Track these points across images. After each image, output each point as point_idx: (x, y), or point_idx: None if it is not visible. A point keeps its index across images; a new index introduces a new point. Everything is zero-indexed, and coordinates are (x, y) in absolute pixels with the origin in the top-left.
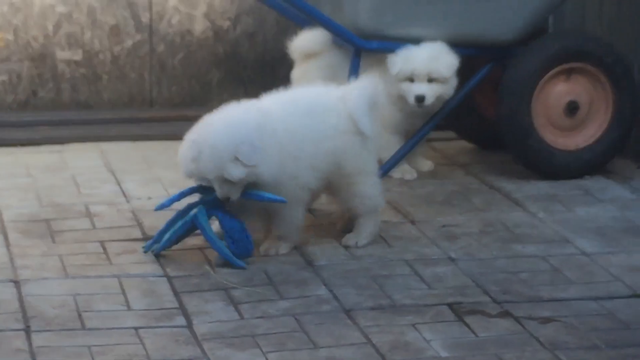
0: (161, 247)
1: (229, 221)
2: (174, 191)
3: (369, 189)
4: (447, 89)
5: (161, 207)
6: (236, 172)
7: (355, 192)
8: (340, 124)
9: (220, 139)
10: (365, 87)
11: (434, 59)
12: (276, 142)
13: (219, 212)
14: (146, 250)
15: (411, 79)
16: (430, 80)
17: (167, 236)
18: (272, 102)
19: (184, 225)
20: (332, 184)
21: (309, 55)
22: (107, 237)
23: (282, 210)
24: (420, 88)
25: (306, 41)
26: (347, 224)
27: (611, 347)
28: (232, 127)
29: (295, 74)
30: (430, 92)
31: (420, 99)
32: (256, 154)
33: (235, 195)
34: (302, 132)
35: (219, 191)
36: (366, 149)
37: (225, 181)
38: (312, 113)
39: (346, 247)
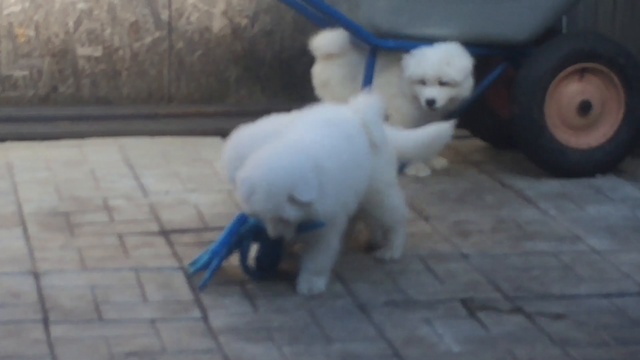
0: (208, 276)
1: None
2: (192, 186)
3: (396, 200)
4: (461, 92)
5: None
6: (293, 212)
7: (385, 206)
8: (367, 140)
9: (275, 178)
10: (373, 99)
11: (445, 62)
12: (327, 173)
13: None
14: (192, 272)
15: (423, 82)
16: (442, 83)
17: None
18: (308, 128)
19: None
20: (362, 203)
21: (330, 55)
22: (125, 230)
23: (323, 241)
24: (432, 92)
25: (326, 42)
26: (370, 239)
27: (621, 344)
28: (286, 165)
29: (316, 70)
30: (441, 95)
31: (430, 103)
32: (312, 191)
33: (289, 234)
34: (345, 157)
35: (272, 230)
36: (385, 160)
37: (281, 221)
38: (348, 135)
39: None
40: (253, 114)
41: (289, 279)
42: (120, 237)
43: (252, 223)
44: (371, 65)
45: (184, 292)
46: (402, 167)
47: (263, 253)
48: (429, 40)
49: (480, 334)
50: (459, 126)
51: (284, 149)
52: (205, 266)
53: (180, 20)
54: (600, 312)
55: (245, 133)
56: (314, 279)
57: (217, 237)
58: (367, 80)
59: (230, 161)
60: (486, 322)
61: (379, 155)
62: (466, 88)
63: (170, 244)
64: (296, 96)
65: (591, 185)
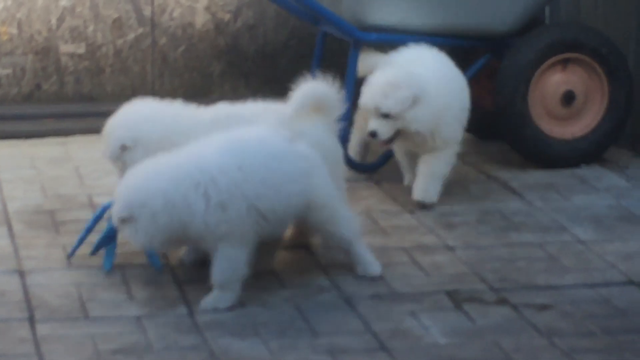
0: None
1: None
2: None
3: (346, 213)
4: (408, 124)
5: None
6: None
7: (336, 221)
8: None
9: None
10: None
11: (382, 94)
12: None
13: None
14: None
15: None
16: (383, 115)
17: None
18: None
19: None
20: (311, 220)
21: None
22: None
23: (222, 256)
24: (372, 124)
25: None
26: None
27: (607, 333)
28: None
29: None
30: (383, 128)
31: (372, 135)
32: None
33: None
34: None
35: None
36: (324, 176)
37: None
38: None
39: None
40: None
41: (274, 274)
42: None
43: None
44: (354, 59)
45: (169, 288)
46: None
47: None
48: (412, 33)
49: (466, 326)
50: None
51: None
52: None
53: (163, 16)
54: (585, 302)
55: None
56: (219, 294)
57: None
58: (350, 75)
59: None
60: (472, 314)
61: (316, 172)
62: (414, 119)
63: None
64: (280, 90)
65: (576, 176)
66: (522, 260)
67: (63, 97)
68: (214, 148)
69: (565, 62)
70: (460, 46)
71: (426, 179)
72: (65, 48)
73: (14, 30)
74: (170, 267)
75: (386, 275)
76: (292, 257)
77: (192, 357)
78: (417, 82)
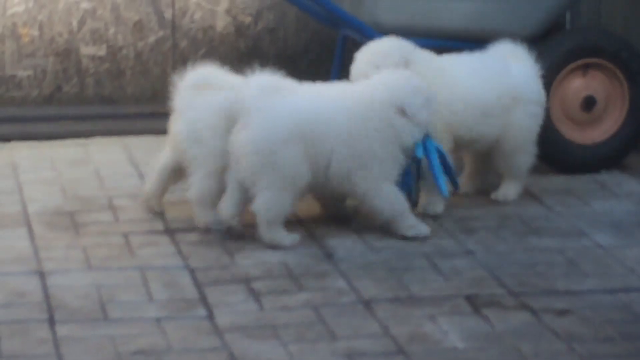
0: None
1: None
2: None
3: None
4: None
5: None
6: None
7: None
8: None
9: None
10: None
11: None
12: None
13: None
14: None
15: None
16: None
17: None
18: None
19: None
20: None
21: None
22: (129, 229)
23: None
24: None
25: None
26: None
27: (626, 339)
28: None
29: None
30: None
31: None
32: None
33: None
34: None
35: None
36: None
37: None
38: None
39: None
40: None
41: (292, 276)
42: (125, 236)
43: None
44: None
45: (189, 290)
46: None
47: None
48: (432, 37)
49: (485, 330)
50: None
51: None
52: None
53: (183, 19)
54: (605, 307)
55: None
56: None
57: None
58: None
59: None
60: (491, 318)
61: None
62: None
63: (175, 242)
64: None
65: (596, 181)
66: (542, 265)
67: (83, 99)
68: None
69: (585, 68)
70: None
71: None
72: (86, 50)
73: (35, 32)
74: (190, 269)
75: (405, 279)
76: (310, 261)
77: None
78: None
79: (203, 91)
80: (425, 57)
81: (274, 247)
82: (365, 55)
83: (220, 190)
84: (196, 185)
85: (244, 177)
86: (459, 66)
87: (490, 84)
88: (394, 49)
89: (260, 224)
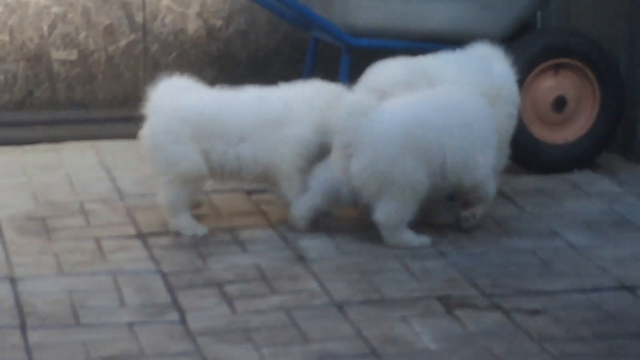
0: None
1: None
2: None
3: None
4: None
5: None
6: None
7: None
8: None
9: None
10: None
11: None
12: None
13: None
14: None
15: None
16: None
17: None
18: None
19: None
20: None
21: None
22: (101, 234)
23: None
24: None
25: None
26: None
27: (599, 338)
28: None
29: None
30: None
31: None
32: None
33: None
34: None
35: None
36: None
37: None
38: None
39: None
40: None
41: (265, 279)
42: (97, 240)
43: None
44: (346, 65)
45: (161, 295)
46: None
47: None
48: (404, 39)
49: (457, 332)
50: None
51: None
52: None
53: (154, 23)
54: (578, 307)
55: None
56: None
57: None
58: (342, 82)
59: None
60: (464, 320)
61: None
62: None
63: (148, 247)
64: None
65: (568, 181)
66: (514, 266)
67: (55, 104)
68: None
69: (556, 68)
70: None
71: None
72: (57, 55)
73: (6, 37)
74: (163, 273)
75: (377, 281)
76: (283, 264)
77: None
78: None
79: (170, 96)
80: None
81: (402, 248)
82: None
83: (189, 195)
84: (163, 191)
85: (364, 196)
86: (442, 65)
87: (473, 83)
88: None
89: (383, 232)
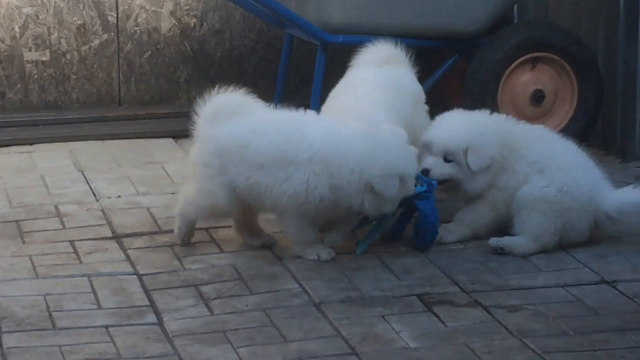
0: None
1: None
2: (144, 189)
3: None
4: None
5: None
6: None
7: None
8: None
9: None
10: None
11: None
12: None
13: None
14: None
15: None
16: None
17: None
18: None
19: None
20: None
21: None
22: (76, 236)
23: None
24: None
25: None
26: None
27: (579, 333)
28: None
29: None
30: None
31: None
32: None
33: None
34: None
35: None
36: None
37: None
38: None
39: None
40: None
41: (242, 279)
42: (72, 243)
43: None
44: (322, 62)
45: (138, 297)
46: None
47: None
48: (380, 35)
49: (437, 329)
50: None
51: None
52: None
53: (128, 22)
54: (558, 302)
55: None
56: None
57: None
58: (318, 79)
59: None
60: (443, 317)
61: None
62: None
63: (123, 248)
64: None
65: None
66: (494, 262)
67: (28, 106)
68: None
69: (534, 62)
70: (429, 47)
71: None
72: (30, 55)
73: None
74: (139, 275)
75: (356, 280)
76: (261, 263)
77: None
78: None
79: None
80: None
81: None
82: None
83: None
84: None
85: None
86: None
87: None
88: None
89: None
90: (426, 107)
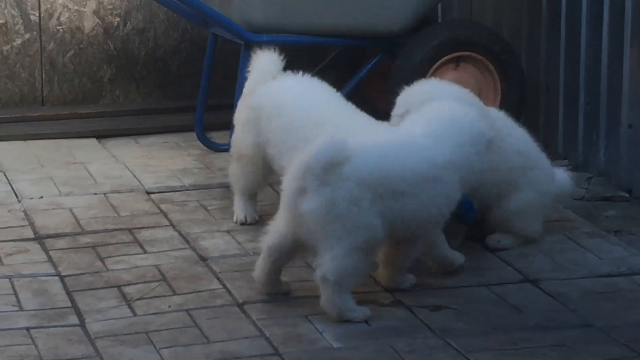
0: None
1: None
2: (67, 190)
3: None
4: None
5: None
6: None
7: None
8: None
9: None
10: None
11: None
12: None
13: None
14: None
15: None
16: None
17: None
18: None
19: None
20: None
21: None
22: None
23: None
24: None
25: None
26: None
27: (501, 332)
28: None
29: None
30: None
31: None
32: None
33: None
34: None
35: None
36: None
37: None
38: None
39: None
40: (129, 114)
41: (165, 280)
42: None
43: None
44: (245, 62)
45: (60, 298)
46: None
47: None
48: (304, 34)
49: (360, 328)
50: None
51: None
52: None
53: (50, 21)
54: (480, 301)
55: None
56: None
57: None
58: (241, 77)
59: None
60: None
61: None
62: None
63: (45, 249)
64: (172, 94)
65: None
66: (416, 261)
67: None
68: None
69: (457, 61)
70: (353, 46)
71: None
72: None
73: None
74: (61, 276)
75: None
76: (183, 264)
77: None
78: None
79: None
80: None
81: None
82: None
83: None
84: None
85: None
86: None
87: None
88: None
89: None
90: None
